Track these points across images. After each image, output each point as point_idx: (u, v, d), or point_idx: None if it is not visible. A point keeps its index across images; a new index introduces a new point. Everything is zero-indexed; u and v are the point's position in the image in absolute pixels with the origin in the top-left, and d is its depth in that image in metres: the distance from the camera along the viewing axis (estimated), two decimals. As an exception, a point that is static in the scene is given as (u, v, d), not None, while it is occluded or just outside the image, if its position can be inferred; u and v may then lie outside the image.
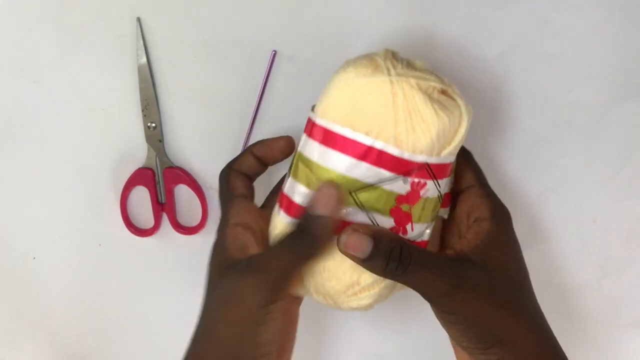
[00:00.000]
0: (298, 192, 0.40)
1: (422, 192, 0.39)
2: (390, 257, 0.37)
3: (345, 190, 0.38)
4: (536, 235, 0.52)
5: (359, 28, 0.50)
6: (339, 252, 0.38)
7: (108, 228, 0.56)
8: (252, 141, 0.53)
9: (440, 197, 0.40)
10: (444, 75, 0.40)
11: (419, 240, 0.41)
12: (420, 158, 0.38)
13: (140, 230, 0.55)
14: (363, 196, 0.38)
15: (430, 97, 0.38)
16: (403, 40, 0.50)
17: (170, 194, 0.54)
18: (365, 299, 0.41)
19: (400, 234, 0.39)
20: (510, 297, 0.40)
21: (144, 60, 0.52)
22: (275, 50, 0.51)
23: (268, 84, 0.52)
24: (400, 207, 0.38)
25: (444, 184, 0.40)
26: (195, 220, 0.55)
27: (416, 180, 0.38)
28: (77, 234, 0.56)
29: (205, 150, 0.54)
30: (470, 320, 0.39)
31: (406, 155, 0.37)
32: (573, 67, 0.49)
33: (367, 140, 0.37)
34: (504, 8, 0.48)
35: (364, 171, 0.38)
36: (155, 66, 0.52)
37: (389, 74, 0.37)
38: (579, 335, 0.54)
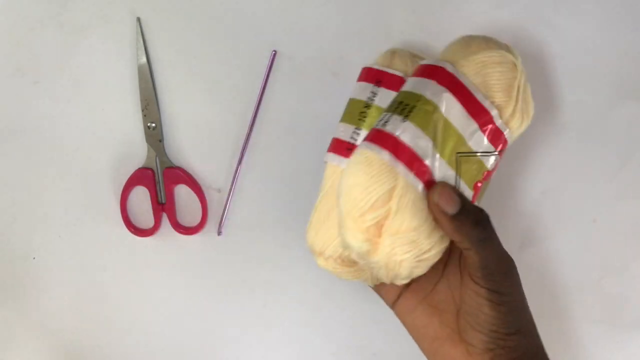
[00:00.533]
0: (414, 135, 0.38)
1: (494, 170, 0.41)
2: (480, 218, 0.39)
3: (451, 149, 0.38)
4: (536, 235, 0.52)
5: (359, 28, 0.50)
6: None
7: (108, 228, 0.56)
8: (252, 141, 0.53)
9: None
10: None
11: None
12: (509, 135, 0.40)
13: (140, 230, 0.55)
14: (464, 161, 0.39)
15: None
16: (403, 40, 0.50)
17: (170, 194, 0.54)
18: (370, 221, 0.39)
19: None
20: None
21: (144, 60, 0.52)
22: (275, 50, 0.51)
23: (268, 84, 0.52)
24: (482, 183, 0.40)
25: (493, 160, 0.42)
26: (195, 220, 0.55)
27: (499, 157, 0.40)
28: (77, 234, 0.56)
29: (205, 150, 0.54)
30: (513, 304, 0.41)
31: (506, 132, 0.40)
32: (573, 67, 0.49)
33: (493, 112, 0.39)
34: (504, 8, 0.48)
35: (477, 140, 0.39)
36: (155, 66, 0.52)
37: (513, 54, 0.40)
38: (579, 335, 0.54)
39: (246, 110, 0.52)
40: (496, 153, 0.40)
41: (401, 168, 0.37)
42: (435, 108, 0.38)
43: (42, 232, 0.57)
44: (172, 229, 0.55)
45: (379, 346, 0.56)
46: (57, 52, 0.53)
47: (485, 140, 0.39)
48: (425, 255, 0.39)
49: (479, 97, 0.39)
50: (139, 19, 0.51)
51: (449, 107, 0.38)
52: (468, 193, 0.40)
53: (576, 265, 0.53)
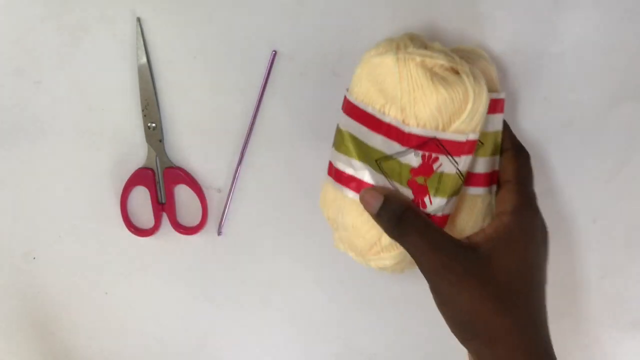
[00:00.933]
0: (344, 162, 0.45)
1: (435, 166, 0.41)
2: (393, 215, 0.41)
3: (372, 159, 0.43)
4: (536, 235, 0.52)
5: (359, 28, 0.50)
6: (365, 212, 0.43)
7: (108, 228, 0.56)
8: (252, 141, 0.53)
9: (460, 174, 0.42)
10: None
11: (439, 214, 0.42)
12: (427, 132, 0.41)
13: (140, 230, 0.55)
14: (385, 165, 0.42)
15: (433, 73, 0.41)
16: (403, 40, 0.50)
17: (170, 194, 0.54)
18: (386, 259, 0.45)
19: (420, 207, 0.42)
20: (500, 295, 0.40)
21: (144, 60, 0.52)
22: (275, 50, 0.51)
23: (268, 84, 0.52)
24: (416, 180, 0.42)
25: (463, 161, 0.42)
26: (195, 220, 0.55)
27: (427, 153, 0.41)
28: (77, 234, 0.56)
29: (205, 150, 0.54)
30: (455, 307, 0.40)
31: (413, 129, 0.41)
32: (573, 67, 0.49)
33: (378, 114, 0.42)
34: (504, 8, 0.48)
35: (381, 143, 0.42)
36: (155, 66, 0.52)
37: (397, 52, 0.41)
38: (579, 335, 0.54)
39: (246, 110, 0.52)
40: (412, 150, 0.41)
41: (347, 191, 0.44)
42: (345, 133, 0.44)
43: (42, 232, 0.57)
44: (172, 229, 0.55)
45: (379, 347, 0.56)
46: (57, 52, 0.53)
47: (387, 140, 0.42)
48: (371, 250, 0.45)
49: (369, 110, 0.43)
50: (139, 19, 0.51)
51: (353, 129, 0.43)
52: (406, 191, 0.42)
53: (576, 265, 0.53)
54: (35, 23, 0.53)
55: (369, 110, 0.42)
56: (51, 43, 0.53)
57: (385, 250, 0.44)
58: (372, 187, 0.43)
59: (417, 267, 0.41)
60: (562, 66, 0.49)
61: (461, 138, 0.41)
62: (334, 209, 0.46)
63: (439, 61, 0.41)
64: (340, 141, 0.44)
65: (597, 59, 0.49)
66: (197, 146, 0.54)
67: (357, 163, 0.43)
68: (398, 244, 0.43)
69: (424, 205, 0.42)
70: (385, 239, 0.43)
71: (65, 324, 0.59)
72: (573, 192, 0.52)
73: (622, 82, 0.49)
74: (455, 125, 0.41)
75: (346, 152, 0.43)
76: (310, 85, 0.51)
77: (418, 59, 0.41)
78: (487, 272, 0.40)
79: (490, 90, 0.43)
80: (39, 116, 0.54)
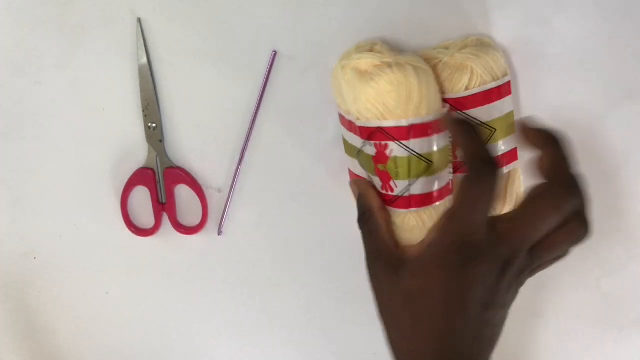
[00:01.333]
0: (349, 163, 0.51)
1: (387, 152, 0.45)
2: (359, 212, 0.47)
3: (355, 154, 0.48)
4: (536, 235, 0.52)
5: (359, 28, 0.50)
6: None
7: (108, 228, 0.56)
8: (252, 141, 0.53)
9: (418, 155, 0.44)
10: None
11: (406, 194, 0.45)
12: (372, 124, 0.45)
13: (141, 230, 0.55)
14: (360, 158, 0.48)
15: (364, 73, 0.45)
16: (402, 40, 0.50)
17: (170, 194, 0.55)
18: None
19: (388, 191, 0.46)
20: (416, 315, 0.39)
21: (144, 60, 0.52)
22: (275, 51, 0.51)
23: (268, 84, 0.52)
24: (378, 167, 0.46)
25: (413, 144, 0.44)
26: (196, 220, 0.55)
27: (378, 142, 0.45)
28: (77, 234, 0.56)
29: (205, 150, 0.54)
30: (383, 312, 0.43)
31: (362, 123, 0.45)
32: (573, 67, 0.49)
33: (346, 115, 0.47)
34: (504, 8, 0.48)
35: (353, 139, 0.47)
36: (155, 66, 0.52)
37: (341, 62, 0.47)
38: (579, 335, 0.54)
39: (246, 111, 0.53)
40: (367, 141, 0.46)
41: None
42: (343, 137, 0.50)
43: (42, 232, 0.57)
44: (172, 229, 0.55)
45: (379, 346, 0.56)
46: (57, 52, 0.53)
47: (354, 136, 0.47)
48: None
49: (342, 112, 0.48)
50: (139, 20, 0.52)
51: (343, 132, 0.50)
52: (376, 179, 0.46)
53: (576, 265, 0.53)
54: (36, 23, 0.53)
55: (342, 112, 0.48)
56: (51, 43, 0.53)
57: None
58: (355, 180, 0.49)
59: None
60: (562, 66, 0.49)
61: (403, 123, 0.44)
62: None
63: (368, 60, 0.45)
64: (345, 146, 0.50)
65: (597, 59, 0.49)
66: (197, 146, 0.54)
67: (349, 159, 0.50)
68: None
69: (392, 189, 0.45)
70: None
71: (65, 323, 0.59)
72: (573, 192, 0.52)
73: (621, 82, 0.49)
74: (393, 112, 0.44)
75: (350, 154, 0.50)
76: (310, 85, 0.51)
77: (352, 63, 0.46)
78: (408, 289, 0.40)
79: (498, 76, 0.47)
80: (39, 116, 0.54)
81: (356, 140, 0.47)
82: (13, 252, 0.58)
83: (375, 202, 0.46)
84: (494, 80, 0.47)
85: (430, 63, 0.46)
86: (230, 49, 0.52)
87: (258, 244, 0.55)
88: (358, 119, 0.45)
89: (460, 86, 0.46)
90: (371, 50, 0.47)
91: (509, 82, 0.48)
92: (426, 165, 0.45)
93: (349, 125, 0.48)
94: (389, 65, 0.44)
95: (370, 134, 0.45)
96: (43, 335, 0.59)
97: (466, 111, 0.47)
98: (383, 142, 0.45)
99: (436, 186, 0.45)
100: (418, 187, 0.45)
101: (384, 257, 0.44)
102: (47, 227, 0.57)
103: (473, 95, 0.47)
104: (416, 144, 0.44)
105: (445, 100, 0.47)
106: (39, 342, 0.59)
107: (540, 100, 0.50)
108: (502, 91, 0.47)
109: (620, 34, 0.48)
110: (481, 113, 0.47)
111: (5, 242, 0.57)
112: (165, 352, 0.58)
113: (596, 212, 0.52)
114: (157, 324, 0.58)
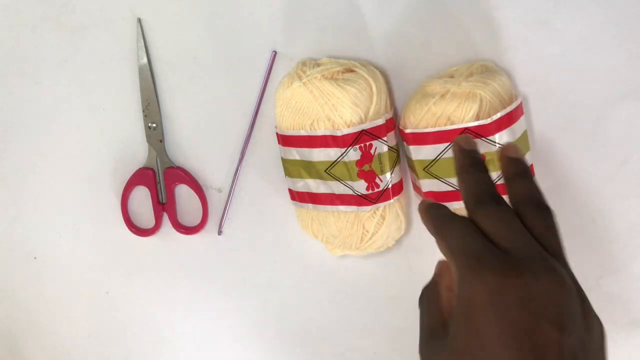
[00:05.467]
0: (300, 185, 0.51)
1: (372, 152, 0.48)
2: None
3: (321, 172, 0.49)
4: (536, 235, 0.52)
5: (359, 29, 0.50)
6: None
7: (109, 228, 0.56)
8: (252, 141, 0.53)
9: (394, 147, 0.49)
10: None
11: (389, 186, 0.49)
12: (356, 128, 0.46)
13: (141, 230, 0.55)
14: (334, 171, 0.48)
15: (336, 79, 0.47)
16: (401, 40, 0.50)
17: (170, 193, 0.55)
18: (378, 240, 0.50)
19: (374, 190, 0.48)
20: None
21: (144, 60, 0.52)
22: (275, 51, 0.51)
23: (268, 84, 0.52)
24: (362, 169, 0.48)
25: (388, 137, 0.48)
26: (196, 220, 0.55)
27: (362, 145, 0.47)
28: (77, 234, 0.57)
29: (205, 150, 0.54)
30: None
31: (345, 130, 0.46)
32: (573, 67, 0.49)
33: (310, 133, 0.48)
34: (504, 8, 0.48)
35: (322, 155, 0.48)
36: (155, 67, 0.52)
37: (301, 79, 0.47)
38: (579, 335, 0.54)
39: (246, 110, 0.53)
40: (351, 148, 0.47)
41: (314, 207, 0.51)
42: (291, 161, 0.50)
43: (42, 232, 0.57)
44: (172, 229, 0.55)
45: (380, 346, 0.56)
46: (57, 52, 0.53)
47: (332, 149, 0.48)
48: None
49: (302, 133, 0.49)
50: (139, 20, 0.52)
51: (296, 154, 0.50)
52: (359, 184, 0.48)
53: (576, 265, 0.53)
54: (36, 23, 0.53)
55: (302, 133, 0.48)
56: (51, 43, 0.53)
57: (374, 235, 0.50)
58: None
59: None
60: (562, 66, 0.49)
61: (381, 121, 0.47)
62: (315, 226, 0.51)
63: (334, 68, 0.47)
64: (290, 169, 0.50)
65: (597, 59, 0.49)
66: (197, 146, 0.54)
67: (310, 181, 0.49)
68: (382, 224, 0.49)
69: (377, 186, 0.48)
70: (369, 225, 0.49)
71: (65, 324, 0.59)
72: (573, 192, 0.52)
73: (622, 82, 0.49)
74: (372, 111, 0.47)
75: (299, 176, 0.50)
76: (310, 85, 0.51)
77: (318, 75, 0.47)
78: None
79: (505, 100, 0.46)
80: (39, 116, 0.55)
81: (329, 154, 0.48)
82: (14, 252, 0.58)
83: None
84: (502, 105, 0.46)
85: (437, 94, 0.46)
86: (230, 49, 0.52)
87: (258, 244, 0.55)
88: (338, 128, 0.47)
89: (471, 115, 0.45)
90: (318, 65, 0.48)
91: (521, 104, 0.48)
92: (396, 154, 0.50)
93: (315, 142, 0.47)
94: (359, 67, 0.48)
95: (354, 139, 0.47)
96: (43, 336, 0.59)
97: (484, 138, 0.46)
98: (367, 143, 0.47)
99: (399, 175, 0.50)
100: (396, 177, 0.50)
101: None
102: (48, 227, 0.57)
103: (488, 124, 0.45)
104: (391, 137, 0.49)
105: (465, 130, 0.46)
106: (38, 342, 0.59)
107: (540, 101, 0.50)
108: (513, 115, 0.46)
109: (620, 34, 0.48)
110: (498, 138, 0.46)
111: (5, 242, 0.57)
112: (165, 352, 0.58)
113: (596, 212, 0.52)
114: (156, 323, 0.58)
